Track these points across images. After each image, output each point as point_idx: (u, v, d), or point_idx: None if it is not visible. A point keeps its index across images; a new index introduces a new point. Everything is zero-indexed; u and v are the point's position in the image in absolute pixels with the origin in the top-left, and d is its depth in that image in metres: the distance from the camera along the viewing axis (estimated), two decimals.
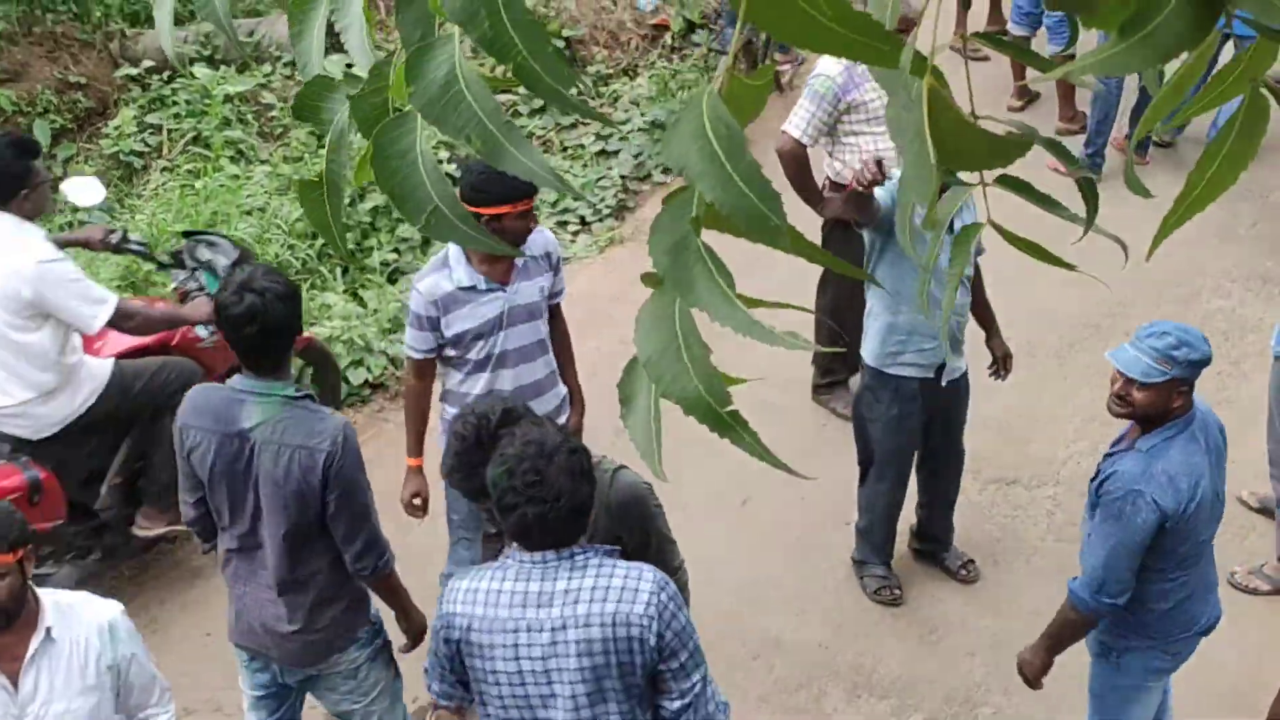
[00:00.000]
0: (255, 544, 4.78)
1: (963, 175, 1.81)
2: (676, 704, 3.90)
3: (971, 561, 6.86)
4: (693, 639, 3.88)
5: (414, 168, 1.53)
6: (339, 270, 9.39)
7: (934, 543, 6.89)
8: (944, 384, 6.34)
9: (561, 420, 5.84)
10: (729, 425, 1.46)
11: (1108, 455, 4.89)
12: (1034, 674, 5.20)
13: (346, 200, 9.23)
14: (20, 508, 4.52)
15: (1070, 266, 1.73)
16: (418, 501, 5.82)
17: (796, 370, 7.84)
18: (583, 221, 10.19)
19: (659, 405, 1.50)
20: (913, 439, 6.49)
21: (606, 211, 10.36)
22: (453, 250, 5.57)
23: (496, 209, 5.34)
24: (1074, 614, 4.92)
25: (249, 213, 9.51)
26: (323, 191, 1.70)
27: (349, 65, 1.72)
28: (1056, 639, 5.10)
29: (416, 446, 5.79)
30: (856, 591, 6.77)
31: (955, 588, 6.81)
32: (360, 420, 8.13)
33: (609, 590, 3.77)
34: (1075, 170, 1.88)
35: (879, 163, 5.57)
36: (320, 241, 9.36)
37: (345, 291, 9.14)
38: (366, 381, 8.37)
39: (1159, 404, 4.66)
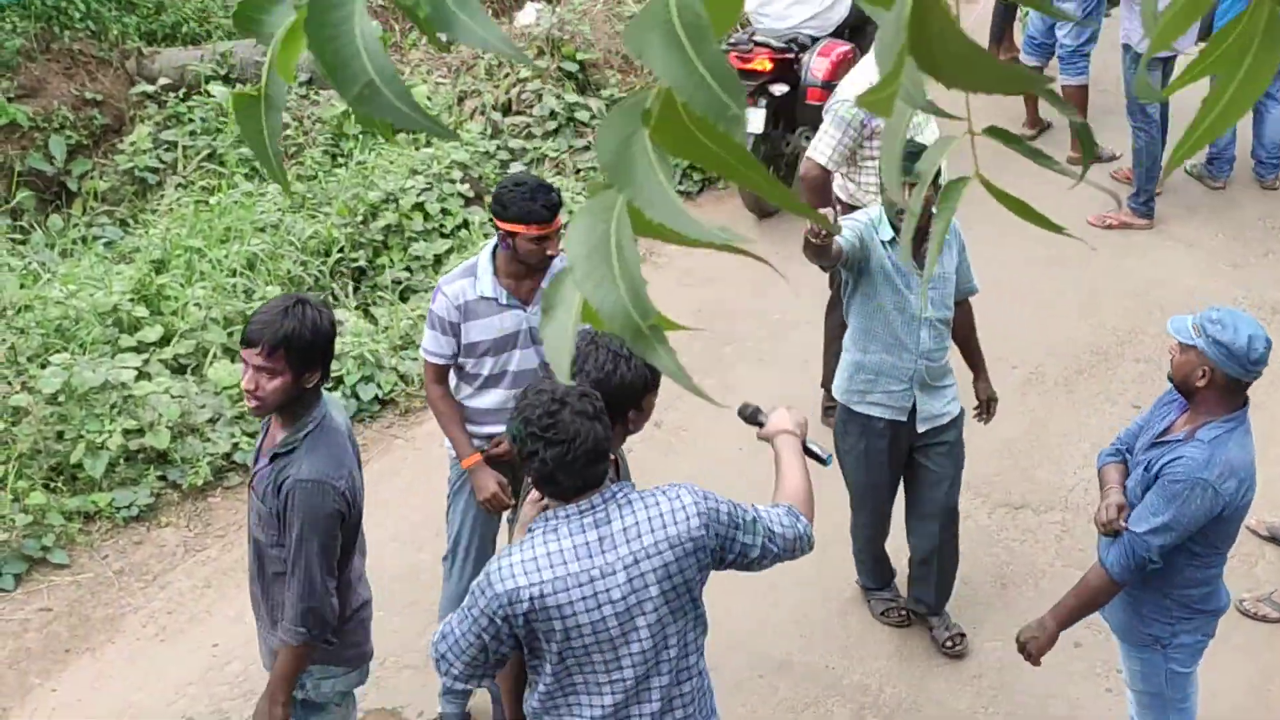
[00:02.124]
0: None
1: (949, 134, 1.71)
2: (756, 551, 4.13)
3: (961, 635, 6.58)
4: (735, 514, 4.09)
5: (349, 37, 1.40)
6: (351, 287, 9.42)
7: (921, 604, 6.65)
8: (920, 429, 6.22)
9: None
10: (648, 340, 1.35)
11: (1156, 444, 4.99)
12: (1040, 649, 5.20)
13: (359, 219, 9.32)
14: None
15: (1058, 229, 1.65)
16: (499, 490, 5.69)
17: (806, 391, 7.85)
18: None
19: (579, 314, 1.41)
20: (883, 475, 6.34)
21: None
22: (482, 260, 5.60)
23: (512, 226, 5.38)
24: (1104, 581, 4.97)
25: (262, 229, 9.53)
26: (260, 106, 1.63)
27: None
28: (1074, 610, 5.12)
29: (466, 445, 5.70)
30: (863, 612, 6.76)
31: (964, 611, 6.80)
32: (370, 435, 8.15)
33: (662, 516, 4.00)
34: (1093, 155, 1.80)
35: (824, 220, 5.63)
36: (333, 258, 9.40)
37: (357, 308, 9.16)
38: (376, 397, 8.38)
39: (1183, 373, 4.90)
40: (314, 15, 1.41)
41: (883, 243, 5.91)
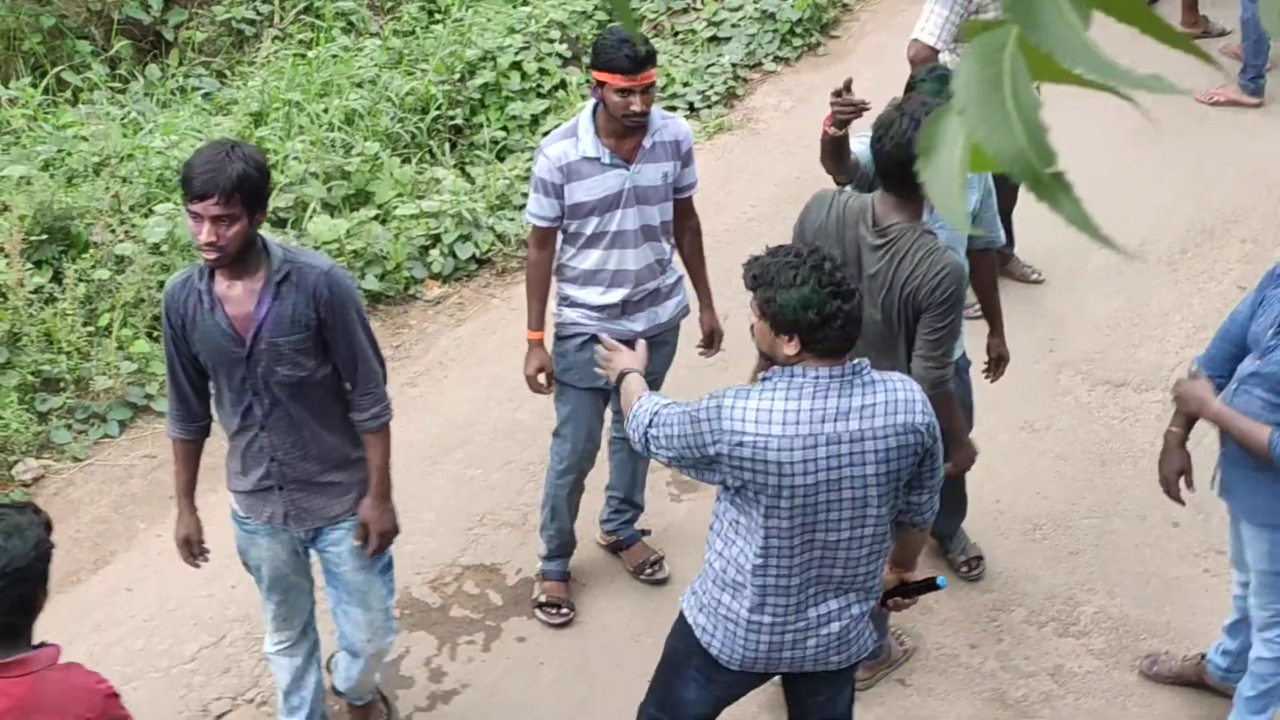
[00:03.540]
0: None
1: None
2: (926, 495, 4.34)
3: (979, 558, 6.34)
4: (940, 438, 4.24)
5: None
6: (447, 145, 9.39)
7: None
8: None
9: (681, 319, 5.96)
10: (1050, 186, 1.27)
11: None
12: (1188, 406, 5.18)
13: (456, 77, 9.27)
14: None
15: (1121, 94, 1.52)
16: (542, 378, 5.79)
17: None
18: (691, 108, 10.11)
19: (966, 157, 1.34)
20: None
21: (715, 98, 10.27)
22: (583, 120, 5.56)
23: (600, 74, 5.38)
24: (1262, 445, 4.80)
25: (359, 85, 9.50)
26: None
27: None
28: (1230, 424, 4.94)
29: (538, 320, 5.72)
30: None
31: (1061, 485, 6.78)
32: (467, 295, 8.17)
33: (898, 403, 4.06)
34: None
35: (847, 87, 5.45)
36: (430, 116, 9.37)
37: (454, 167, 9.14)
38: (474, 257, 8.37)
39: None
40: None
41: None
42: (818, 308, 3.94)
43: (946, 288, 4.86)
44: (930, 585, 4.61)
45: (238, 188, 4.20)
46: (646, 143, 5.55)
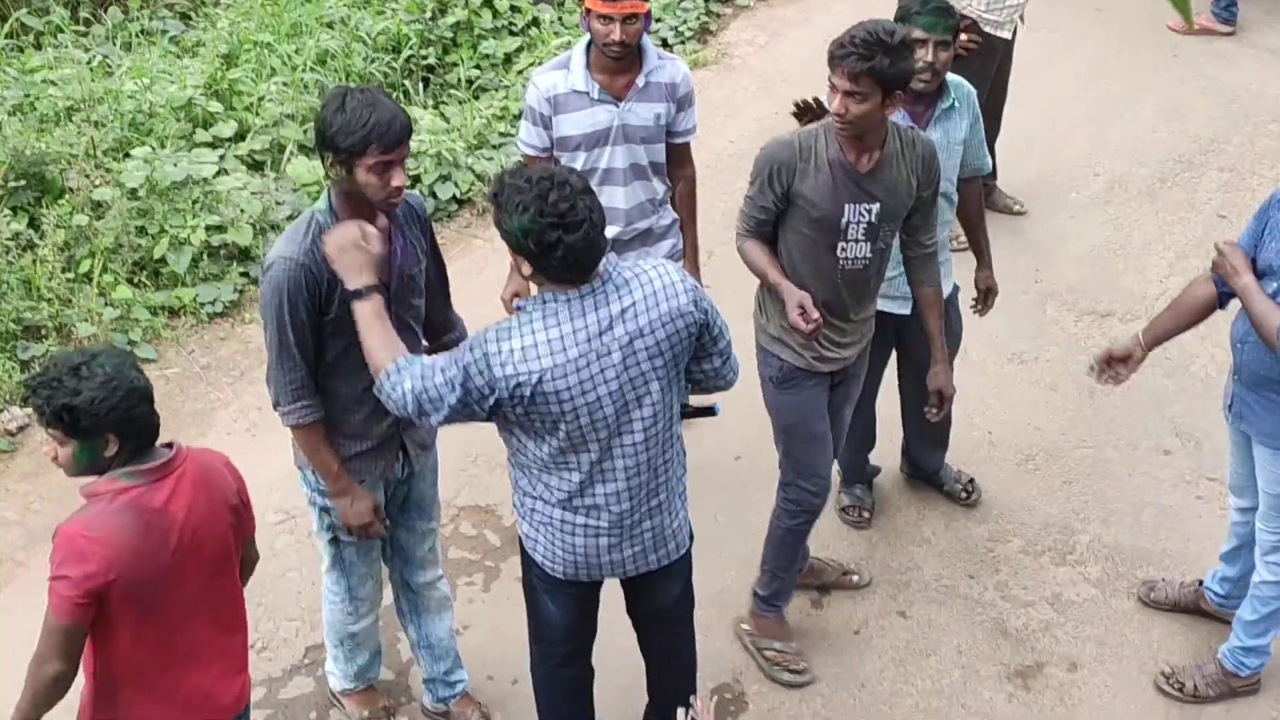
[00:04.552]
0: None
1: None
2: (718, 360, 4.31)
3: (972, 481, 6.38)
4: (712, 305, 4.22)
5: None
6: (421, 85, 9.30)
7: (921, 469, 6.41)
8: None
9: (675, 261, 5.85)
10: None
11: None
12: (1122, 354, 5.30)
13: (428, 15, 9.17)
14: None
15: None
16: (518, 301, 5.75)
17: None
18: (664, 43, 10.03)
19: None
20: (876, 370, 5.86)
21: (689, 34, 10.20)
22: (576, 53, 5.53)
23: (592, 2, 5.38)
24: (1272, 335, 4.78)
25: (330, 25, 9.38)
26: None
27: None
28: (1255, 313, 4.88)
29: None
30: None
31: (1052, 416, 6.81)
32: (449, 235, 8.10)
33: (656, 294, 4.07)
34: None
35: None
36: (403, 55, 9.26)
37: (430, 107, 9.05)
38: (454, 197, 8.31)
39: None
40: None
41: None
42: (536, 237, 3.88)
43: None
44: (707, 411, 4.85)
45: (410, 130, 4.25)
46: (639, 80, 5.50)
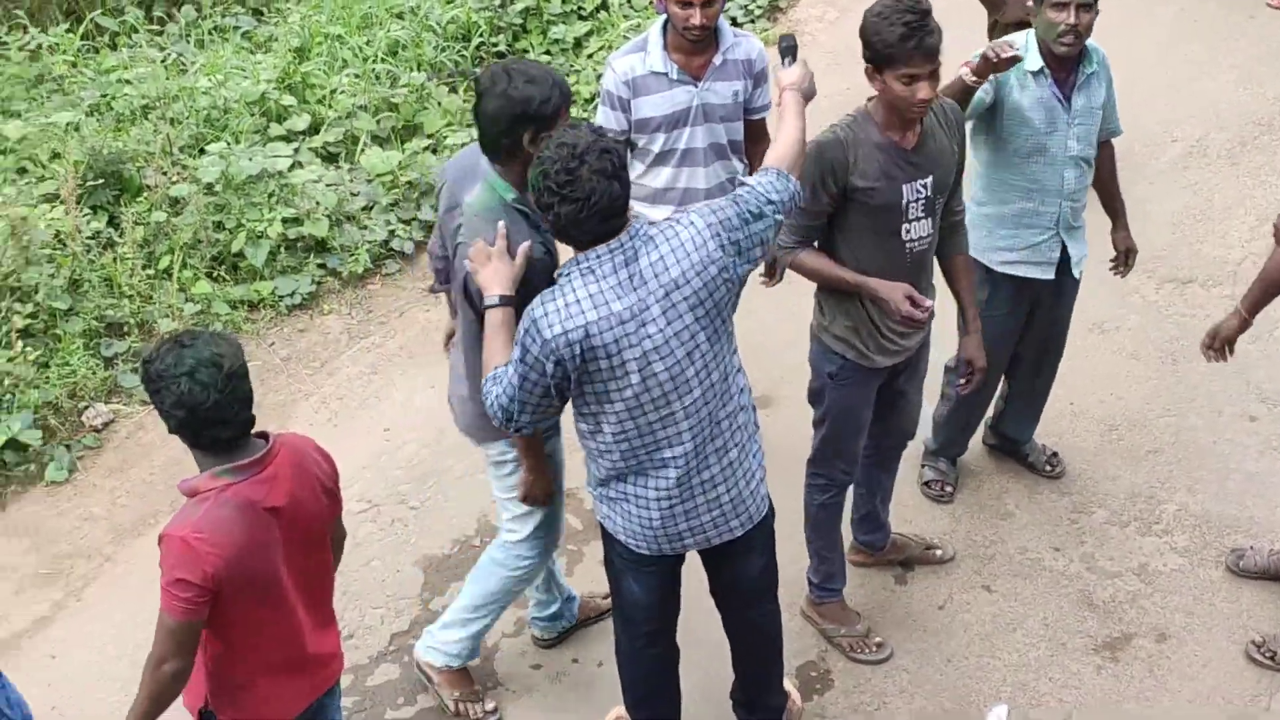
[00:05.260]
0: None
1: None
2: (771, 233, 4.27)
3: (1056, 454, 6.34)
4: (741, 208, 4.19)
5: None
6: None
7: (1010, 441, 6.35)
8: (1076, 275, 5.75)
9: None
10: None
11: None
12: (1231, 334, 5.33)
13: (497, 3, 9.18)
14: None
15: None
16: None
17: None
18: (734, 22, 9.99)
19: None
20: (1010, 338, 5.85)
21: (759, 11, 10.17)
22: (653, 33, 5.51)
23: None
24: None
25: (400, 15, 9.42)
26: None
27: None
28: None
29: None
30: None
31: (1135, 385, 6.74)
32: None
33: (683, 245, 4.09)
34: None
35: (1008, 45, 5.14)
36: (474, 43, 9.28)
37: None
38: None
39: None
40: None
41: (1029, 74, 5.36)
42: (537, 193, 4.00)
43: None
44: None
45: None
46: (716, 59, 5.48)
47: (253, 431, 3.88)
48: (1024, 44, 5.35)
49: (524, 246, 4.30)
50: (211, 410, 3.70)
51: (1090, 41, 5.37)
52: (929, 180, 4.83)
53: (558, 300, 4.04)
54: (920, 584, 5.83)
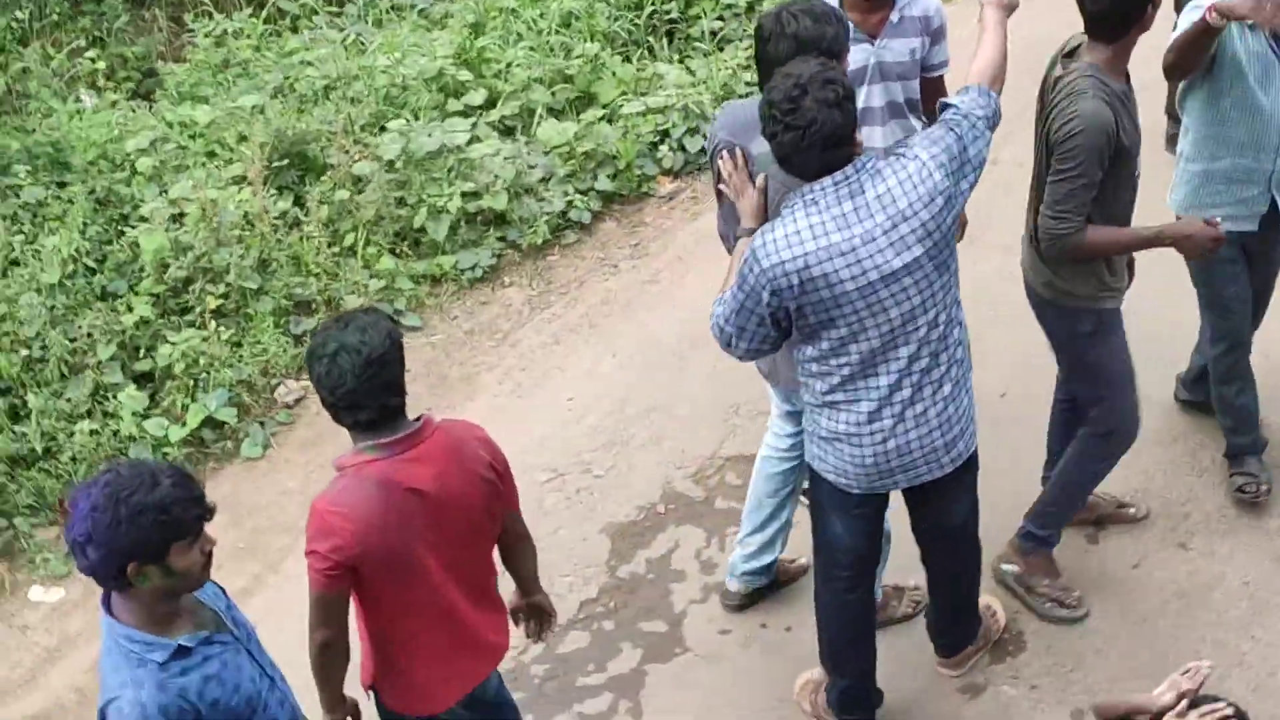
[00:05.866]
0: None
1: None
2: (987, 150, 4.33)
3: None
4: (960, 132, 4.25)
5: None
6: (665, 40, 9.29)
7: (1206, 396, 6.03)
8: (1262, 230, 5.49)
9: None
10: None
11: None
12: None
13: None
14: None
15: None
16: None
17: None
18: None
19: None
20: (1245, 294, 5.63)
21: None
22: None
23: None
24: None
25: None
26: None
27: None
28: None
29: None
30: None
31: None
32: (700, 188, 8.10)
33: (910, 178, 4.15)
34: None
35: None
36: (646, 11, 9.27)
37: (676, 61, 9.05)
38: (703, 149, 8.29)
39: None
40: None
41: (1246, 26, 5.10)
42: (765, 124, 4.12)
43: (1069, 133, 4.71)
44: None
45: None
46: (894, 17, 5.38)
47: (412, 415, 3.88)
48: None
49: (761, 178, 4.42)
50: (347, 395, 3.73)
51: None
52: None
53: (778, 231, 4.14)
54: (1112, 543, 5.72)
